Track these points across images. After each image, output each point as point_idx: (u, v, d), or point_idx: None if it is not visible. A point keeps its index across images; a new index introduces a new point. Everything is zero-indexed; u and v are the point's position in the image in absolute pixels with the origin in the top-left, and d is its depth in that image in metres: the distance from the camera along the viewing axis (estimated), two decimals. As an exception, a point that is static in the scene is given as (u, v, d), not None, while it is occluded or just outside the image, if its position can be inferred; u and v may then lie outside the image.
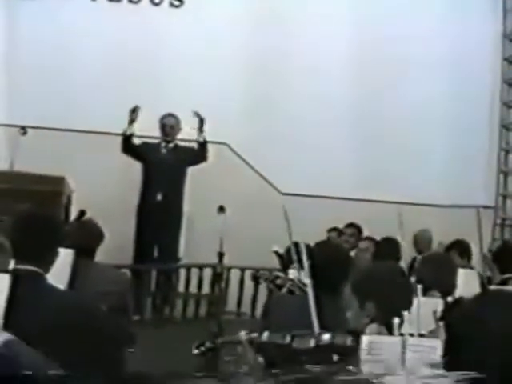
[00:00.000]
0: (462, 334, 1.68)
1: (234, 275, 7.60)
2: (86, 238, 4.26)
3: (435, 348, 2.29)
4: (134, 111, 7.41)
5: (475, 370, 1.61)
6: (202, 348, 2.93)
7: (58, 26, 8.31)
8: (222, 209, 6.10)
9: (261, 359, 2.79)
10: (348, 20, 8.76)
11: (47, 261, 2.92)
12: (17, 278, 2.75)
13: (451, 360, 1.74)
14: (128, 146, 7.51)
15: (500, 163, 8.85)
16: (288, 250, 4.70)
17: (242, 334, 2.87)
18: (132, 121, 7.43)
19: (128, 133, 7.47)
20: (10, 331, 2.49)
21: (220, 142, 8.19)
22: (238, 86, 8.50)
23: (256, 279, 6.74)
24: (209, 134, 7.75)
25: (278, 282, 4.41)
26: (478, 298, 1.80)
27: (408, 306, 2.65)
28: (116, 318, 3.79)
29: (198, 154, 7.59)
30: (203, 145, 7.56)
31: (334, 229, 7.61)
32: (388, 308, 2.61)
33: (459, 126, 8.60)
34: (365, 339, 2.28)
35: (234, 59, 8.52)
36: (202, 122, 7.49)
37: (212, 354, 2.97)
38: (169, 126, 7.63)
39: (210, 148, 7.73)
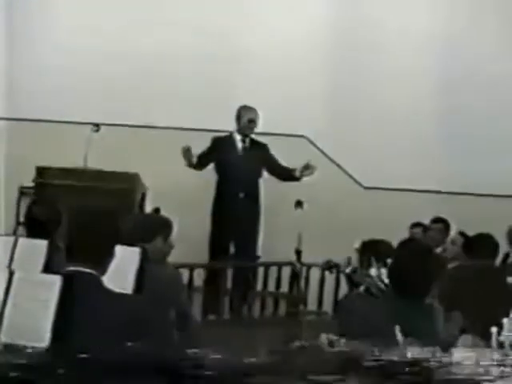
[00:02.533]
0: None
1: (314, 273, 7.33)
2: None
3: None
4: (186, 153, 7.16)
5: None
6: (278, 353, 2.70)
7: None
8: (299, 203, 5.85)
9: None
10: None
11: (103, 261, 2.74)
12: (70, 279, 2.59)
13: None
14: (201, 167, 7.31)
15: None
16: (364, 247, 4.40)
17: (322, 337, 2.64)
18: (190, 164, 7.19)
19: (193, 166, 7.25)
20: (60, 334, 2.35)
21: (298, 135, 7.97)
22: (318, 77, 8.24)
23: (329, 268, 6.46)
24: (287, 126, 7.54)
25: (356, 277, 4.10)
26: None
27: (507, 311, 2.29)
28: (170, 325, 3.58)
29: (281, 170, 7.33)
30: (294, 178, 7.26)
31: (418, 224, 7.23)
32: (481, 315, 2.26)
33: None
34: (456, 354, 1.93)
35: (313, 48, 8.28)
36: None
37: (289, 359, 2.73)
38: (253, 121, 7.37)
39: (288, 140, 7.51)
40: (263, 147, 7.47)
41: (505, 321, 2.20)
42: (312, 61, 8.26)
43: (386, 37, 8.38)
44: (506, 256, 6.77)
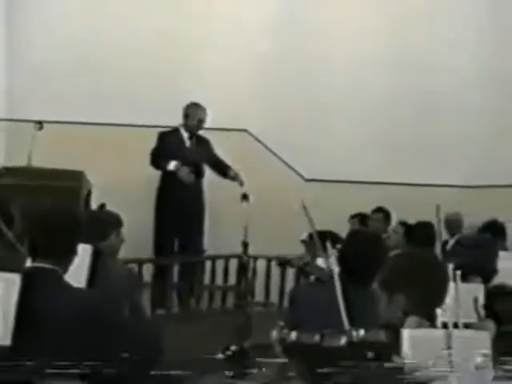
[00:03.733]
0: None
1: (261, 265, 7.44)
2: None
3: (483, 340, 2.08)
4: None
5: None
6: (228, 352, 2.78)
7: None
8: (245, 197, 5.91)
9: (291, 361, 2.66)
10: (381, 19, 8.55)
11: (65, 258, 2.79)
12: (31, 276, 2.63)
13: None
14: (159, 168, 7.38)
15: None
16: (311, 238, 4.52)
17: (274, 334, 2.73)
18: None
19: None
20: (22, 331, 2.39)
21: (241, 129, 8.04)
22: (259, 72, 8.33)
23: (283, 265, 6.59)
24: (229, 121, 7.60)
25: (307, 269, 4.23)
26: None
27: (445, 293, 2.45)
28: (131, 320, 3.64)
29: (219, 167, 7.42)
30: (228, 177, 7.37)
31: (357, 215, 7.40)
32: (423, 299, 2.41)
33: (490, 102, 8.38)
34: (405, 333, 2.07)
35: (257, 45, 8.37)
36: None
37: (240, 357, 2.83)
38: (203, 121, 7.42)
39: (231, 135, 7.57)
40: (206, 143, 7.54)
41: (447, 302, 2.35)
42: (254, 58, 8.34)
43: (326, 31, 8.51)
44: (445, 243, 7.00)
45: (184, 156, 7.35)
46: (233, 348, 2.70)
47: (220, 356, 2.71)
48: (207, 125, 7.51)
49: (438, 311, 2.16)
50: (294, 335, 2.66)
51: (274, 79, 8.40)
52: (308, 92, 8.46)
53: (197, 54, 8.24)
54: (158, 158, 7.31)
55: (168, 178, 7.39)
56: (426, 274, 2.53)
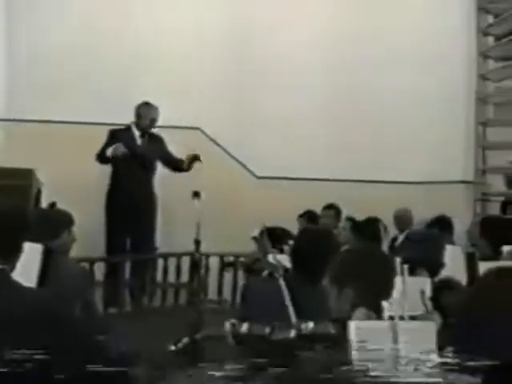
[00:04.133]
0: (472, 323, 1.53)
1: (213, 262, 7.46)
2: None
3: (429, 331, 2.14)
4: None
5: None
6: (180, 345, 2.79)
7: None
8: (196, 194, 5.91)
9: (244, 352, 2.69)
10: (323, 10, 8.61)
11: (12, 257, 2.76)
12: None
13: (460, 349, 1.59)
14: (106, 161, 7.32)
15: (478, 137, 8.74)
16: (261, 235, 4.56)
17: (226, 326, 2.75)
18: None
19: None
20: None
21: (193, 127, 8.04)
22: (212, 71, 8.35)
23: (229, 265, 6.63)
24: (181, 119, 7.61)
25: (257, 265, 4.26)
26: (482, 281, 1.65)
27: (391, 286, 2.51)
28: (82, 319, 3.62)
29: (174, 160, 7.40)
30: (184, 170, 7.37)
31: (305, 213, 7.45)
32: (370, 291, 2.46)
33: (435, 99, 8.49)
34: (352, 325, 2.11)
35: (208, 43, 8.37)
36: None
37: (192, 349, 2.84)
38: (155, 120, 7.41)
39: (183, 133, 7.57)
40: (159, 140, 7.52)
41: (394, 296, 2.40)
42: (206, 55, 8.35)
43: (274, 30, 8.57)
44: (394, 239, 7.11)
45: (135, 153, 7.32)
46: (184, 341, 2.71)
47: (172, 348, 2.73)
48: (160, 123, 7.50)
49: (385, 304, 2.21)
50: (245, 327, 2.69)
51: (227, 78, 8.41)
52: (260, 91, 8.50)
53: (150, 53, 8.21)
54: (103, 155, 7.28)
55: (118, 176, 7.36)
56: (373, 268, 2.59)
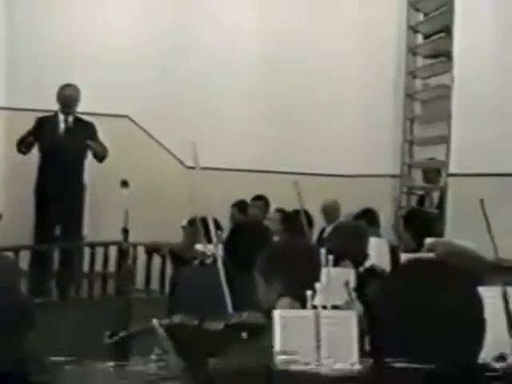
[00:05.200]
0: (385, 312, 1.57)
1: (142, 252, 7.42)
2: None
3: (350, 320, 2.18)
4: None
5: (400, 347, 1.51)
6: (116, 337, 2.78)
7: None
8: (125, 183, 5.86)
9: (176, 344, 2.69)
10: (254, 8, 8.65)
11: None
12: None
13: (374, 338, 1.63)
14: (25, 149, 7.17)
15: (405, 132, 8.91)
16: (190, 225, 4.56)
17: (154, 321, 2.75)
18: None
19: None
20: None
21: (122, 115, 7.96)
22: (142, 58, 8.27)
23: (152, 251, 6.60)
24: (110, 106, 7.53)
25: (186, 255, 4.26)
26: (398, 270, 1.70)
27: (316, 277, 2.55)
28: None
29: (100, 148, 7.33)
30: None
31: (238, 203, 7.50)
32: (296, 281, 2.50)
33: (365, 95, 8.63)
34: (276, 314, 2.14)
35: (139, 29, 8.28)
36: None
37: (125, 343, 2.83)
38: (69, 97, 7.31)
39: (112, 121, 7.49)
40: (89, 126, 7.42)
41: (317, 286, 2.44)
42: (137, 44, 8.28)
43: (206, 25, 8.57)
44: (322, 230, 7.20)
45: (58, 140, 7.22)
46: (121, 334, 2.70)
47: (107, 341, 2.71)
48: (89, 109, 7.40)
49: (308, 293, 2.24)
50: (175, 318, 2.70)
51: (158, 66, 8.37)
52: (192, 79, 8.47)
53: (81, 41, 8.09)
54: (22, 142, 7.16)
55: (46, 163, 7.24)
56: (298, 259, 2.63)
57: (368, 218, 6.26)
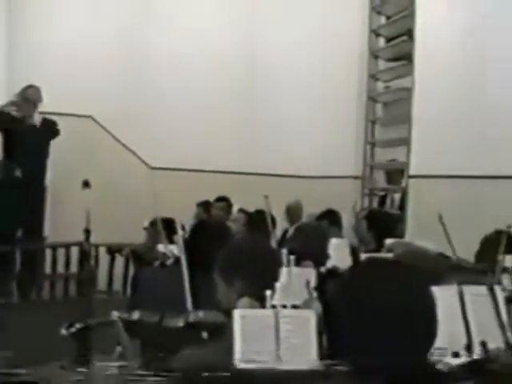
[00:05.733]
0: (341, 309, 1.60)
1: (103, 252, 7.39)
2: None
3: (309, 319, 2.21)
4: None
5: (355, 346, 1.54)
6: (72, 329, 2.76)
7: None
8: (86, 184, 5.83)
9: (135, 339, 2.70)
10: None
11: None
12: None
13: (331, 336, 1.66)
14: None
15: (367, 134, 9.01)
16: (152, 226, 4.56)
17: (114, 314, 2.74)
18: None
19: None
20: None
21: (85, 115, 7.91)
22: (104, 58, 8.23)
23: (114, 252, 6.57)
24: (73, 107, 7.48)
25: (148, 256, 4.26)
26: (354, 269, 1.73)
27: (276, 277, 2.57)
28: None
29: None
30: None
31: (203, 203, 7.52)
32: (256, 281, 2.52)
33: (327, 97, 8.70)
34: (236, 313, 2.16)
35: (102, 32, 8.26)
36: None
37: (83, 336, 2.82)
38: (31, 98, 7.25)
39: (75, 121, 7.44)
40: (52, 124, 7.37)
41: (277, 285, 2.47)
42: (102, 43, 8.25)
43: (166, 20, 8.58)
44: (286, 231, 7.23)
45: (22, 138, 7.16)
46: (77, 325, 2.69)
47: (64, 332, 2.69)
48: (51, 109, 7.35)
49: (268, 293, 2.27)
50: (135, 315, 2.70)
51: (121, 67, 8.33)
52: (154, 80, 8.46)
53: (41, 39, 8.03)
54: None
55: (7, 163, 7.17)
56: (259, 260, 2.64)
57: (330, 218, 6.31)
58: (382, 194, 8.66)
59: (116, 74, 8.31)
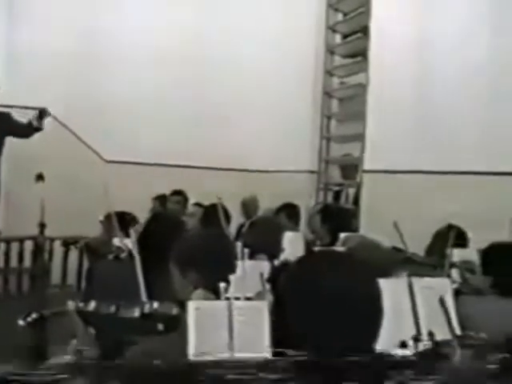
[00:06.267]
0: (288, 298, 1.64)
1: (58, 246, 7.33)
2: None
3: (261, 310, 2.24)
4: None
5: (303, 336, 1.58)
6: (29, 319, 2.76)
7: None
8: (40, 177, 5.78)
9: (91, 330, 2.71)
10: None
11: None
12: None
13: (279, 326, 1.69)
14: None
15: (322, 129, 9.08)
16: (107, 219, 4.55)
17: (70, 304, 2.75)
18: None
19: None
20: None
21: (38, 107, 7.83)
22: (59, 50, 8.16)
23: (69, 246, 6.52)
24: (27, 99, 7.41)
25: (102, 249, 4.25)
26: (299, 261, 1.76)
27: (231, 270, 2.60)
28: None
29: (23, 129, 7.20)
30: (34, 129, 7.17)
31: (159, 196, 7.51)
32: (210, 274, 2.55)
33: (284, 93, 8.74)
34: (190, 305, 2.19)
35: (55, 26, 8.17)
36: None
37: (40, 327, 2.82)
38: None
39: (29, 113, 7.37)
40: (5, 117, 7.28)
41: (231, 278, 2.50)
42: (54, 37, 8.17)
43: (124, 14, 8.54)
44: (242, 225, 7.26)
45: None
46: (34, 315, 2.69)
47: (21, 323, 2.69)
48: (5, 102, 7.25)
49: (222, 285, 2.30)
50: (91, 305, 2.71)
51: (75, 59, 8.26)
52: (109, 72, 8.41)
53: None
54: None
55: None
56: (214, 252, 2.67)
57: (288, 212, 6.36)
58: (336, 188, 8.75)
59: (70, 67, 8.23)
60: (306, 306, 1.60)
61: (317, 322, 1.59)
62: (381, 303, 1.65)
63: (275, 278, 3.35)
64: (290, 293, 1.64)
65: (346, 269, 1.64)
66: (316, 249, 1.91)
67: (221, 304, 2.23)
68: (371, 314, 1.62)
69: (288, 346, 1.66)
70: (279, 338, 1.71)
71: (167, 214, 5.59)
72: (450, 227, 4.60)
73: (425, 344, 2.08)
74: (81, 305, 2.71)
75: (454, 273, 3.75)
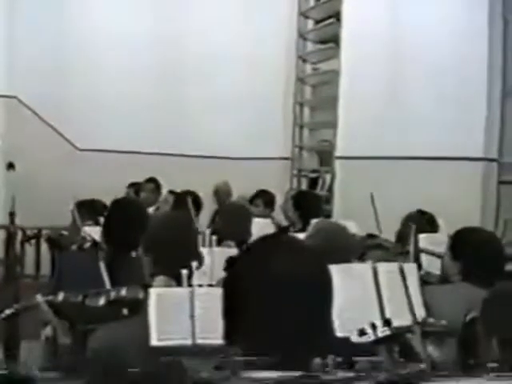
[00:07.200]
0: (239, 284, 1.64)
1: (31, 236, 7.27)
2: None
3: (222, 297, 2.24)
4: None
5: (251, 326, 1.58)
6: (3, 315, 2.77)
7: None
8: (11, 165, 5.74)
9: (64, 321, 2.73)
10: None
11: None
12: None
13: (228, 312, 1.69)
14: None
15: (296, 116, 9.08)
16: (78, 207, 4.54)
17: (39, 297, 2.76)
18: None
19: None
20: None
21: (10, 96, 7.76)
22: (31, 40, 8.08)
23: (29, 239, 6.48)
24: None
25: (63, 241, 4.24)
26: (250, 246, 1.76)
27: (194, 257, 2.60)
28: None
29: None
30: None
31: (133, 184, 7.49)
32: (172, 260, 2.55)
33: (257, 79, 8.72)
34: (152, 292, 2.19)
35: (29, 15, 8.10)
36: None
37: (13, 321, 2.84)
38: None
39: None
40: None
41: (193, 264, 2.49)
42: (27, 25, 8.10)
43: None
44: (216, 212, 7.26)
45: None
46: (7, 311, 2.70)
47: (-3, 316, 2.70)
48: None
49: (184, 272, 2.30)
50: (60, 296, 2.72)
51: (47, 48, 8.19)
52: (83, 62, 8.35)
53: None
54: None
55: None
56: (177, 238, 2.67)
57: (263, 199, 6.39)
58: (313, 175, 8.74)
59: (42, 55, 8.16)
60: (255, 292, 1.60)
61: (266, 307, 1.59)
62: (330, 289, 1.65)
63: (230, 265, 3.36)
64: (240, 278, 1.65)
65: (294, 254, 1.64)
66: (267, 234, 1.91)
67: (182, 290, 2.23)
68: (319, 300, 1.63)
69: (237, 332, 1.66)
70: (230, 323, 1.71)
71: (128, 199, 5.56)
72: (421, 213, 4.64)
73: (382, 331, 2.08)
74: (50, 297, 2.72)
75: (424, 261, 3.77)
